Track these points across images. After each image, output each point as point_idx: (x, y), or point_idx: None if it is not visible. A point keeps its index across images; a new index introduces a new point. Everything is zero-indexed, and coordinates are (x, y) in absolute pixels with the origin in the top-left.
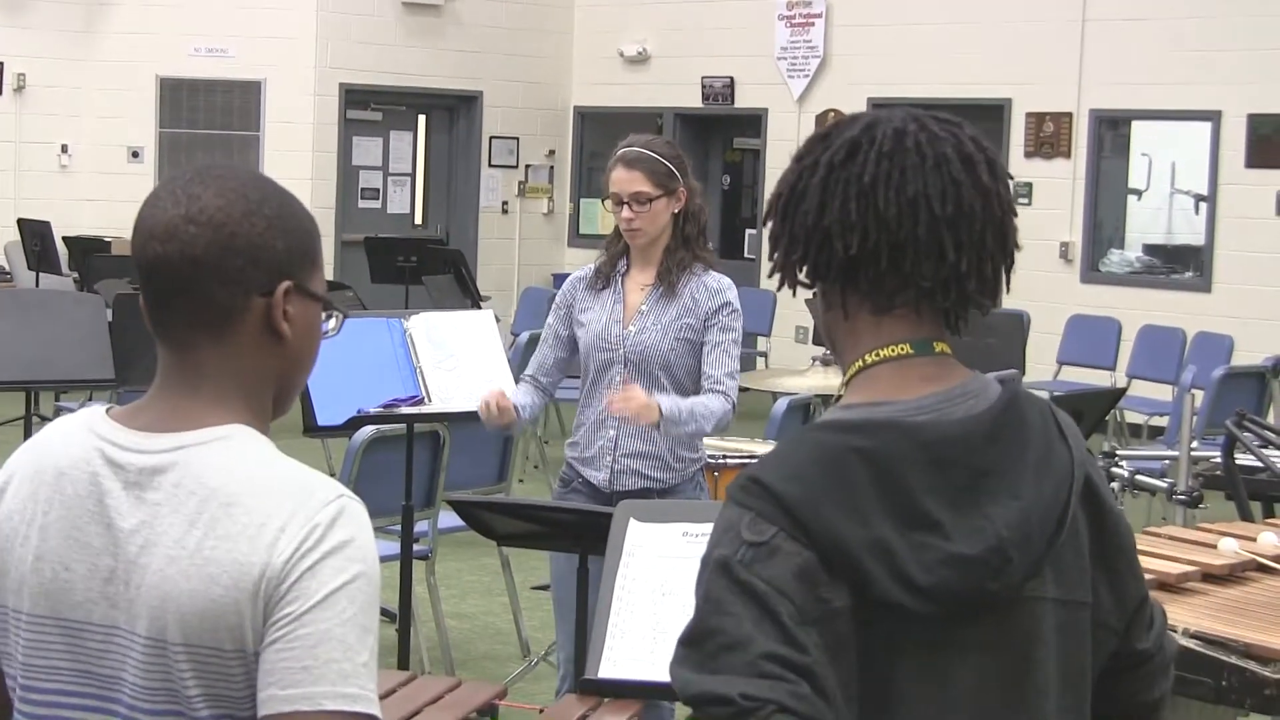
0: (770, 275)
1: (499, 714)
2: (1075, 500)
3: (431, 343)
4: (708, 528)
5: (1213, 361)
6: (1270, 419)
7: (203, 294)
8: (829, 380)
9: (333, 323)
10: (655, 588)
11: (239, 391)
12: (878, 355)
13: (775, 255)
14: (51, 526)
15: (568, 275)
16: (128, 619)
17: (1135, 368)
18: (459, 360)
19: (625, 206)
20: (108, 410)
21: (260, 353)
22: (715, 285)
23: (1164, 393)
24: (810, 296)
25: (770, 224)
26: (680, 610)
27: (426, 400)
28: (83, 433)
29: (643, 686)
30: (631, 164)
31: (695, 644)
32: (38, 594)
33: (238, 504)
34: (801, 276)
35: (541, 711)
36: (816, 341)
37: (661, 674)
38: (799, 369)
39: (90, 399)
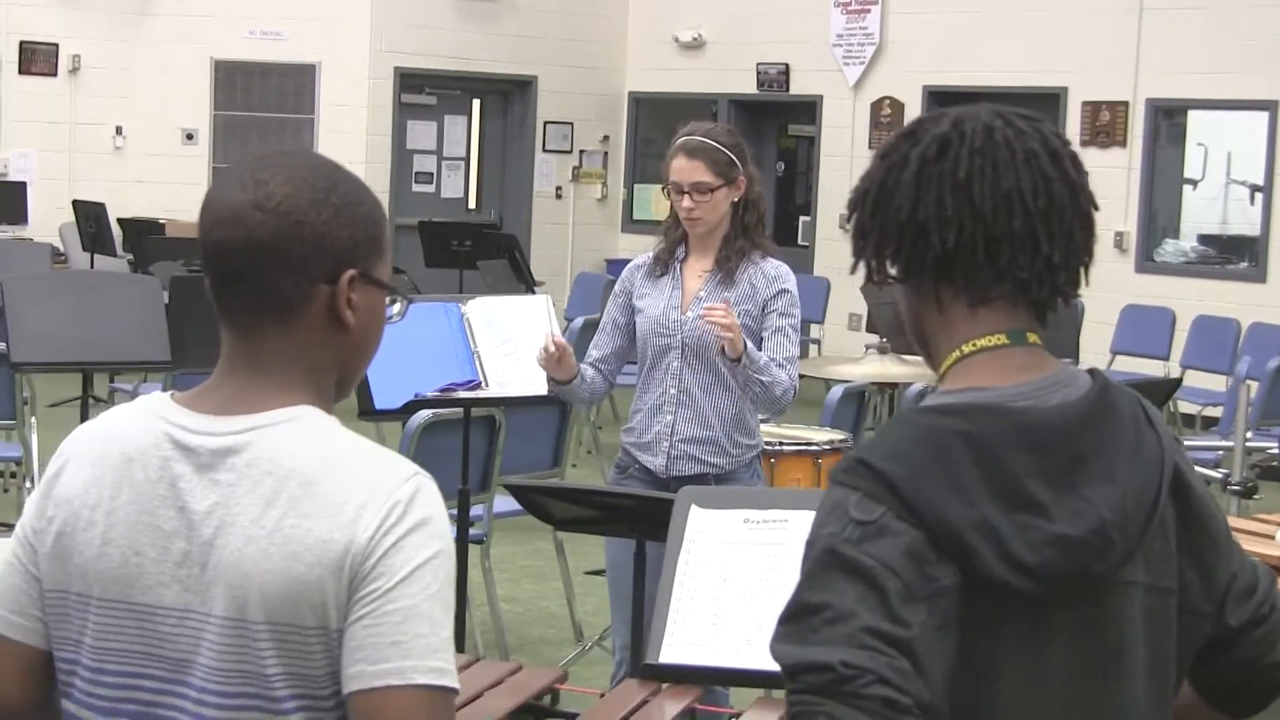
0: (853, 271)
1: (559, 698)
2: (1165, 487)
3: (489, 327)
4: (769, 514)
5: (1267, 352)
6: None
7: (267, 281)
8: (885, 368)
9: (397, 308)
10: (716, 574)
11: (303, 376)
12: (975, 345)
13: (863, 249)
14: (120, 511)
15: (621, 261)
16: (202, 601)
17: (1189, 358)
18: (516, 345)
19: (686, 196)
20: (171, 395)
21: (324, 339)
22: (774, 272)
23: (1218, 383)
24: (866, 284)
25: (855, 219)
26: (741, 596)
27: (484, 384)
28: (148, 417)
29: (703, 672)
30: (693, 153)
31: (797, 619)
32: (108, 579)
33: (316, 483)
34: (893, 271)
35: (602, 696)
36: (870, 329)
37: (721, 659)
38: (853, 356)
39: (144, 380)
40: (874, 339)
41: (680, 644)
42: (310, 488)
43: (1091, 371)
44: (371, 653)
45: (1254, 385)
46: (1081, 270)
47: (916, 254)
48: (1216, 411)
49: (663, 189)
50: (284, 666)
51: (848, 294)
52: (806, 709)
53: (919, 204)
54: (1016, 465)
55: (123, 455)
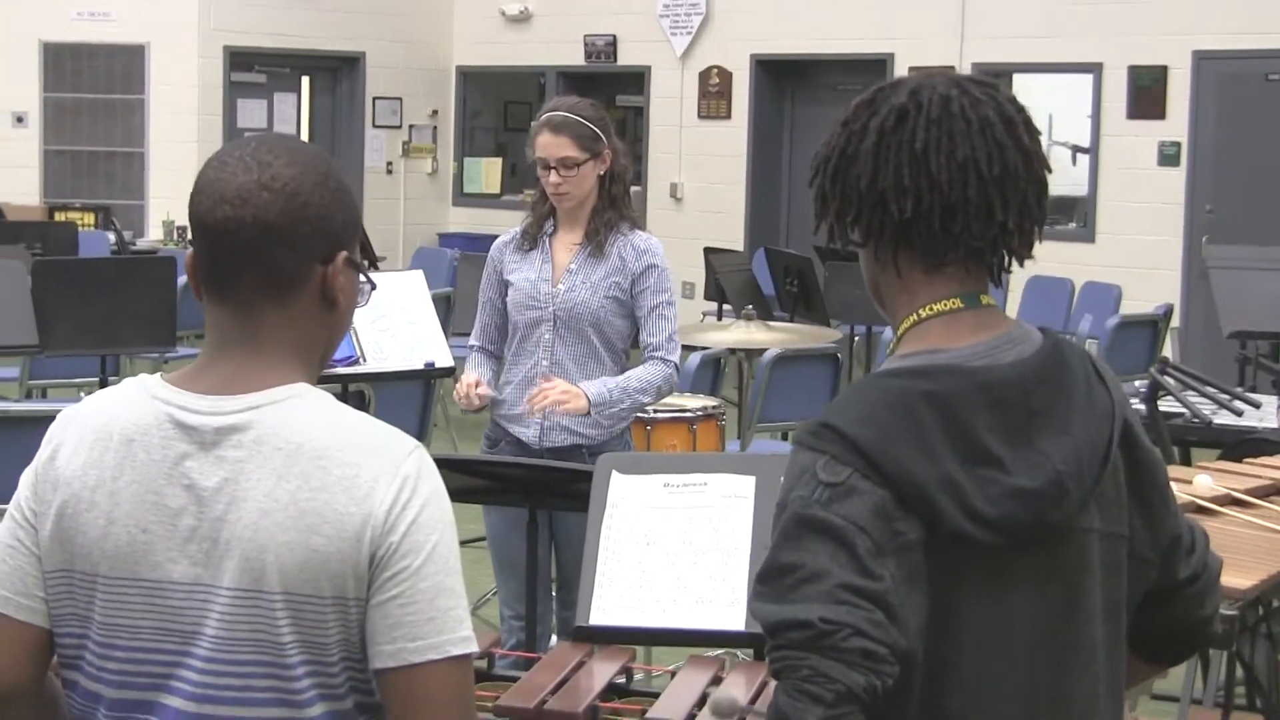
0: (816, 232)
1: (494, 662)
2: (1116, 438)
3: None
4: (689, 478)
5: (1102, 311)
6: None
7: (271, 259)
8: (751, 334)
9: (363, 296)
10: (639, 537)
11: (295, 353)
12: (931, 310)
13: (825, 214)
14: (123, 491)
15: (454, 235)
16: (212, 574)
17: (1024, 317)
18: (391, 320)
19: (553, 171)
20: (161, 375)
21: (315, 318)
22: (643, 245)
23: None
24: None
25: (817, 184)
26: (664, 558)
27: (362, 360)
28: (143, 399)
29: (633, 632)
30: (558, 129)
31: (773, 579)
32: (115, 557)
33: (327, 456)
34: (854, 236)
35: (539, 658)
36: (708, 297)
37: (650, 619)
38: (693, 324)
39: None
40: (710, 306)
41: (610, 606)
42: (321, 461)
43: (1042, 329)
44: (410, 630)
45: (1094, 344)
46: (1035, 232)
47: (875, 221)
48: None
49: (530, 164)
50: (298, 634)
51: (681, 262)
52: (789, 664)
53: (878, 174)
54: (977, 422)
55: (123, 436)
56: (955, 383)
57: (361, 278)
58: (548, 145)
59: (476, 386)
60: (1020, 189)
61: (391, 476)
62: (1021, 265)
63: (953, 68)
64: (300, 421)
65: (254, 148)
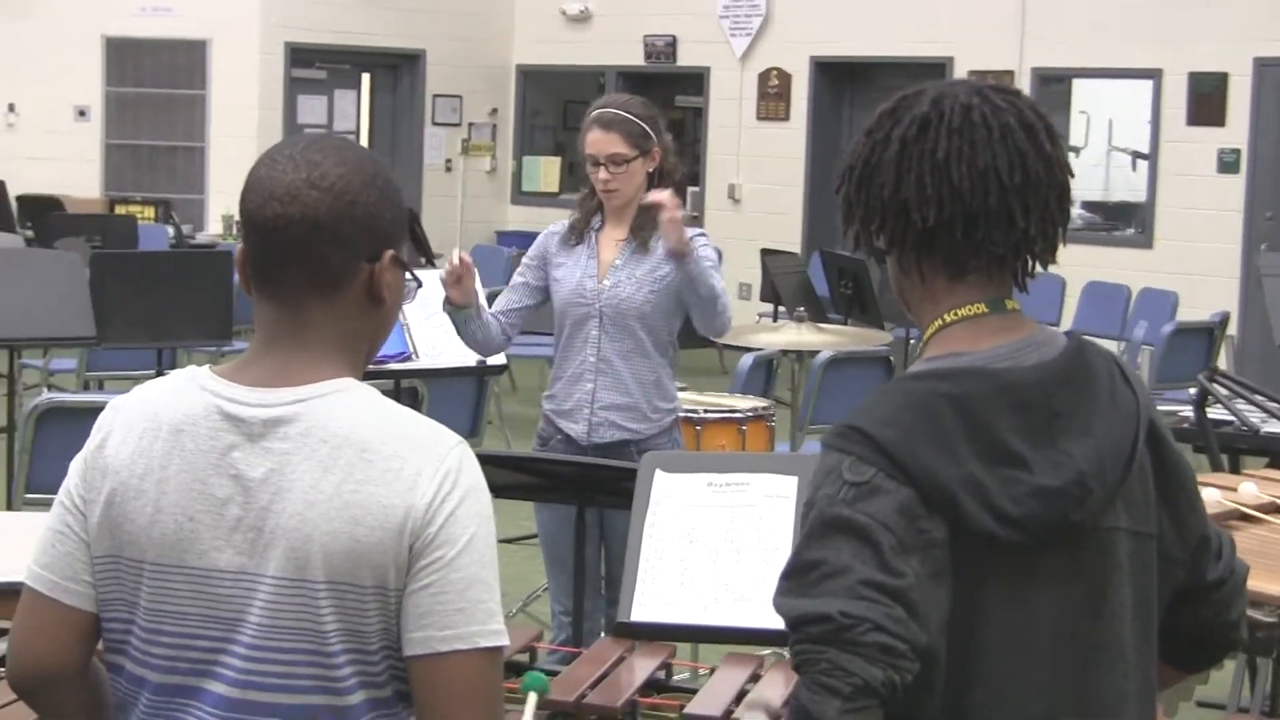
0: (844, 238)
1: (536, 656)
2: (1142, 438)
3: (417, 300)
4: (731, 478)
5: (1158, 317)
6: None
7: (319, 257)
8: (802, 336)
9: (410, 294)
10: (682, 535)
11: (341, 348)
12: (955, 315)
13: (850, 221)
14: (171, 480)
15: (512, 233)
16: (256, 563)
17: (1080, 324)
18: (445, 317)
19: (602, 168)
20: (210, 368)
21: (361, 314)
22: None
23: (1109, 349)
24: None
25: (842, 192)
26: (706, 556)
27: (414, 356)
28: (193, 390)
29: (674, 629)
30: (608, 126)
31: (797, 575)
32: (162, 545)
33: (371, 450)
34: (879, 243)
35: (580, 653)
36: (764, 298)
37: (690, 616)
38: (747, 325)
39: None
40: (766, 307)
41: (651, 603)
42: (365, 454)
43: (1068, 333)
44: (439, 619)
45: (1149, 349)
46: (1058, 238)
47: (899, 230)
48: None
49: (582, 160)
50: (340, 623)
51: (738, 264)
52: (809, 657)
53: (901, 183)
54: (999, 423)
55: (171, 426)
56: (977, 385)
57: (408, 276)
58: (597, 142)
59: (463, 260)
60: (1042, 195)
61: (434, 470)
62: (1045, 269)
63: (1012, 73)
64: (346, 415)
65: (303, 147)
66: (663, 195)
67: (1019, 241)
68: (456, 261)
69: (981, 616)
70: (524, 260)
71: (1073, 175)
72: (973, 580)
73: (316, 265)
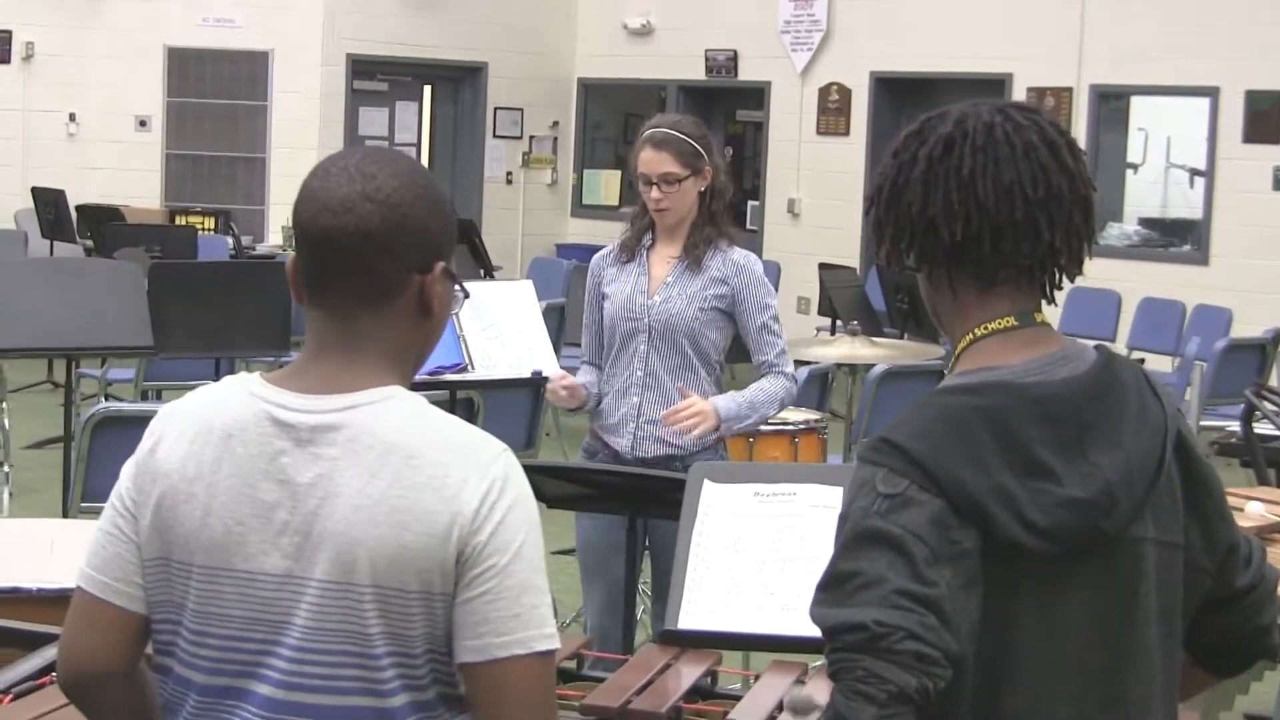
0: (877, 261)
1: (584, 663)
2: (1169, 450)
3: (473, 311)
4: (778, 488)
5: (1212, 334)
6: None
7: (371, 267)
8: (855, 350)
9: (457, 303)
10: (728, 545)
11: (390, 357)
12: (986, 329)
13: (881, 241)
14: (221, 484)
15: (571, 246)
16: (303, 566)
17: (1135, 339)
18: (500, 329)
19: (654, 187)
20: (261, 375)
21: (410, 324)
22: (741, 261)
23: (1163, 364)
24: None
25: (872, 213)
26: (752, 566)
27: (470, 368)
28: (244, 396)
29: (719, 636)
30: (660, 145)
31: (833, 586)
32: (210, 548)
33: (418, 456)
34: (909, 262)
35: (627, 660)
36: (822, 312)
37: (736, 625)
38: (804, 338)
39: (103, 365)
40: (824, 321)
41: (697, 611)
42: (412, 460)
43: (1098, 347)
44: (497, 626)
45: (1201, 365)
46: (1084, 251)
47: (928, 245)
48: None
49: (632, 180)
50: (385, 626)
51: (797, 278)
52: (845, 665)
53: (928, 200)
54: (1029, 436)
55: (222, 431)
56: (1008, 398)
57: (456, 287)
58: (650, 161)
59: (562, 380)
60: (1065, 209)
61: (480, 478)
62: (1072, 281)
63: (1070, 89)
64: (393, 422)
65: (357, 159)
66: (678, 410)
67: (1045, 254)
68: (563, 392)
69: (1013, 624)
70: (586, 296)
71: (1095, 190)
72: (1004, 589)
73: (368, 276)
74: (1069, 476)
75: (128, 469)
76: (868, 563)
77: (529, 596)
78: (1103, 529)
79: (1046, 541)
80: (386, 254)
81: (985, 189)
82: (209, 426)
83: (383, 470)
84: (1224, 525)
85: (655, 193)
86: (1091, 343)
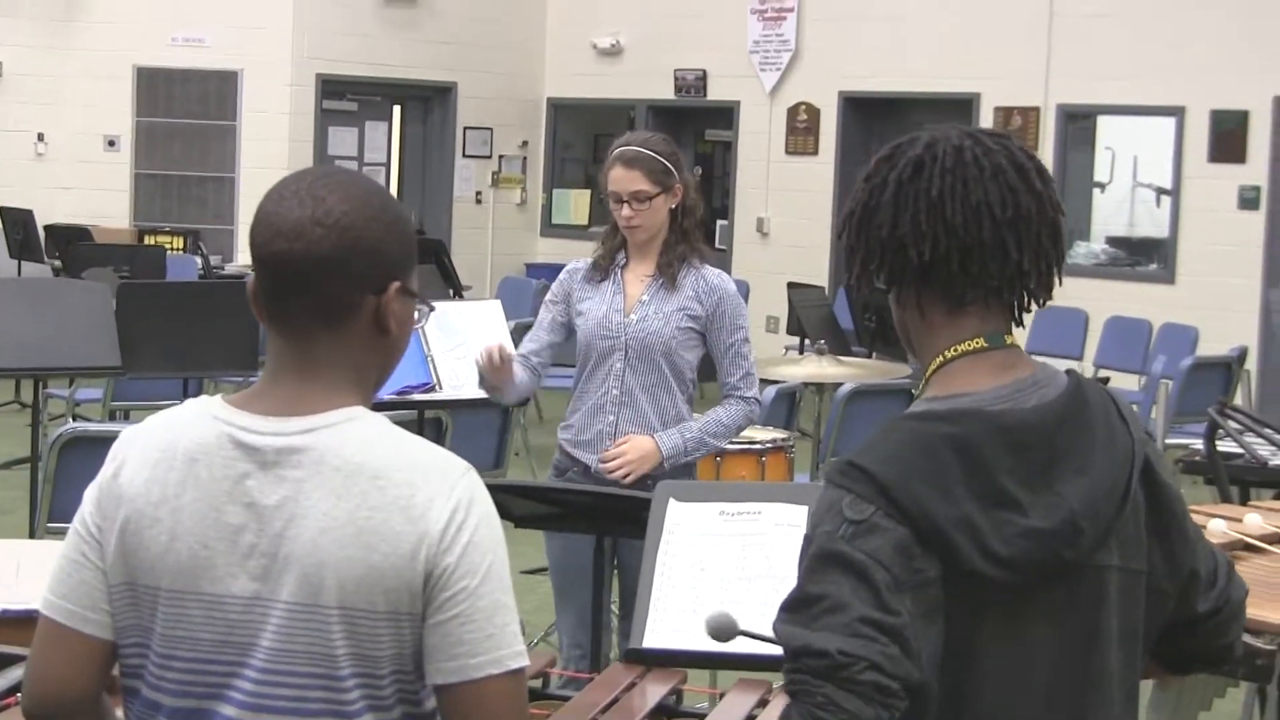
0: (848, 283)
1: (549, 681)
2: (1136, 476)
3: (441, 331)
4: (743, 507)
5: (1179, 352)
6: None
7: (325, 290)
8: (822, 369)
9: (422, 317)
10: (694, 563)
11: (350, 378)
12: (956, 350)
13: (852, 264)
14: (186, 508)
15: (541, 265)
16: (270, 589)
17: (1102, 358)
18: (469, 348)
19: (625, 205)
20: (222, 397)
21: (369, 344)
22: (715, 281)
23: (1130, 383)
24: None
25: (845, 238)
26: (718, 585)
27: (438, 387)
28: (206, 419)
29: (685, 655)
30: (630, 163)
31: (799, 608)
32: (176, 571)
33: (384, 477)
34: (879, 283)
35: (593, 678)
36: (790, 331)
37: (701, 643)
38: (773, 357)
39: (71, 385)
40: (793, 340)
41: (663, 629)
42: (378, 481)
43: (1069, 371)
44: (472, 646)
45: (1167, 384)
46: (1053, 273)
47: (897, 266)
48: None
49: (602, 198)
50: (351, 648)
51: (765, 297)
52: (806, 689)
53: (898, 222)
54: (996, 465)
55: (186, 455)
56: (977, 426)
57: (418, 303)
58: (620, 179)
59: (501, 348)
60: (1034, 230)
61: (446, 498)
62: (1041, 305)
63: (1037, 109)
64: (358, 443)
65: (310, 182)
66: (610, 461)
67: (1014, 274)
68: (497, 357)
69: (977, 653)
70: (547, 299)
71: (1064, 214)
72: (968, 617)
73: (323, 299)
74: (1034, 506)
75: (90, 494)
76: (833, 587)
77: (500, 616)
78: (1066, 558)
79: (1008, 571)
80: (340, 277)
81: (954, 210)
82: (172, 450)
83: (349, 492)
84: (1186, 550)
85: (626, 210)
86: (1063, 363)
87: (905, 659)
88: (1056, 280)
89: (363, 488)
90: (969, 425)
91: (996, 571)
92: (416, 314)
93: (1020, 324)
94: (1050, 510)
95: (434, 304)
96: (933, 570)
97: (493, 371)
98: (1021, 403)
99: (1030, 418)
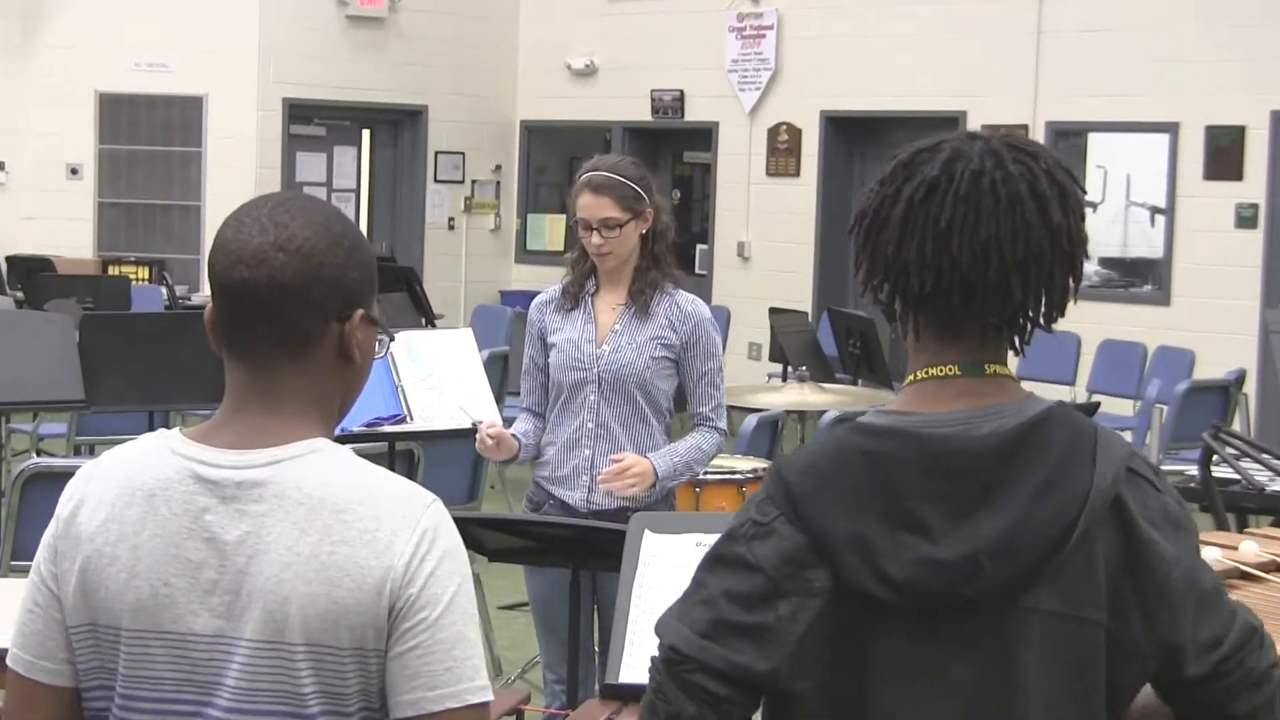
0: (856, 285)
1: (523, 718)
2: (1084, 521)
3: (412, 361)
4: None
5: (1174, 376)
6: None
7: (287, 318)
8: (804, 396)
9: (381, 348)
10: (670, 596)
11: (313, 408)
12: (927, 373)
13: (858, 272)
14: (145, 545)
15: (516, 292)
16: (233, 626)
17: (1096, 382)
18: (440, 378)
19: (595, 232)
20: (180, 430)
21: (332, 373)
22: (690, 307)
23: (1125, 407)
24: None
25: (854, 238)
26: None
27: (409, 419)
28: (165, 454)
29: None
30: (599, 189)
31: (685, 596)
32: (137, 610)
33: (348, 511)
34: (881, 298)
35: (567, 716)
36: (773, 358)
37: None
38: (755, 385)
39: (35, 420)
40: (776, 367)
41: (638, 664)
42: (342, 515)
43: (1057, 404)
44: (430, 679)
45: (1162, 408)
46: (1061, 303)
47: (898, 289)
48: (1125, 436)
49: (572, 223)
50: (318, 685)
51: (747, 323)
52: (651, 672)
53: (904, 244)
54: (909, 487)
55: (145, 491)
56: (899, 447)
57: (380, 332)
58: (589, 206)
59: (489, 428)
60: (1045, 268)
61: (411, 530)
62: (1049, 330)
63: (1026, 127)
64: (320, 476)
65: (270, 208)
66: (610, 478)
67: (1015, 313)
68: (489, 440)
69: (877, 671)
70: (526, 342)
71: (1083, 244)
72: (866, 636)
73: (285, 327)
74: (946, 535)
75: (46, 539)
76: (714, 581)
77: (461, 649)
78: (965, 593)
79: (897, 595)
80: (302, 304)
81: (960, 245)
82: (131, 487)
83: (312, 526)
84: (1168, 613)
85: (596, 238)
86: (1055, 389)
87: (757, 661)
88: (1072, 301)
89: (326, 522)
90: (893, 444)
91: (885, 593)
92: (378, 344)
93: (1020, 354)
94: (960, 542)
95: (395, 334)
96: (820, 582)
97: (493, 453)
98: (973, 429)
99: (970, 446)
